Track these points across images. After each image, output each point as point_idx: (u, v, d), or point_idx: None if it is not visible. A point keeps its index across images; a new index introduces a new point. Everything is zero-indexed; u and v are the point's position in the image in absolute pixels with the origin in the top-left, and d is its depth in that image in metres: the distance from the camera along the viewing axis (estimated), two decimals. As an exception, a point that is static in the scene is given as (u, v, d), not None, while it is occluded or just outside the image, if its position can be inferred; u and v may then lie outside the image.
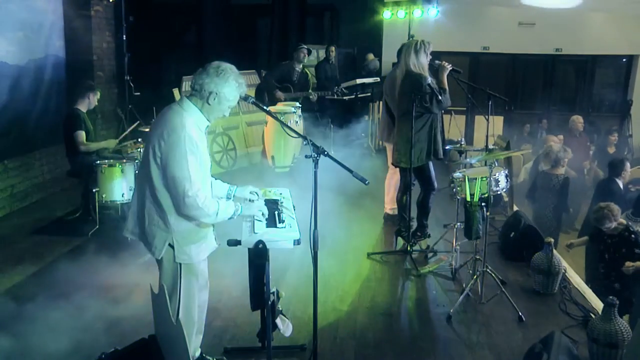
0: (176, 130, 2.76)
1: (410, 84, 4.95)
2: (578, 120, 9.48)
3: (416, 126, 4.94)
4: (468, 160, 5.00)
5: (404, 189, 5.34)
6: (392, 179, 6.01)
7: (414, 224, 5.42)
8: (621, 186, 6.57)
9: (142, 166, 2.95)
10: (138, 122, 6.32)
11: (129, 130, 6.33)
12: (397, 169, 5.53)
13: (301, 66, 8.40)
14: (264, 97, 8.19)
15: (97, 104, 6.20)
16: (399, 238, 5.48)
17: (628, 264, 4.91)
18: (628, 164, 6.65)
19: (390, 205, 6.14)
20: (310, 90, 8.47)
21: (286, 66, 8.44)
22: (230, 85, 2.84)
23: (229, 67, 2.88)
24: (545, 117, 11.92)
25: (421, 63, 4.99)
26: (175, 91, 8.10)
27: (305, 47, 8.42)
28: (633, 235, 5.05)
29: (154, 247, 2.90)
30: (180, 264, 2.90)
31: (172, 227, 2.86)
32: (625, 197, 6.61)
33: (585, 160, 9.22)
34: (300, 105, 7.94)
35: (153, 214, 2.87)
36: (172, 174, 2.75)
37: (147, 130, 6.06)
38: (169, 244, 2.88)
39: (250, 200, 3.16)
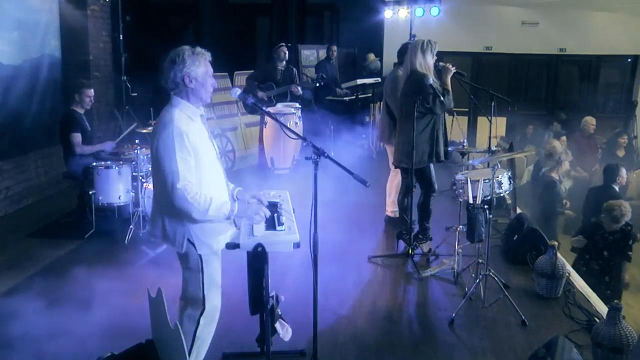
0: (166, 126, 2.84)
1: (413, 84, 4.95)
2: (590, 121, 9.47)
3: (418, 127, 4.95)
4: (470, 161, 5.01)
5: (405, 191, 5.34)
6: (393, 181, 6.02)
7: (415, 227, 5.42)
8: (618, 191, 6.58)
9: (152, 168, 3.04)
10: (135, 124, 6.30)
11: (125, 132, 6.31)
12: (398, 171, 5.54)
13: (284, 63, 8.16)
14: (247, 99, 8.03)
15: (92, 101, 6.12)
16: (400, 241, 5.48)
17: None
18: (623, 170, 6.68)
19: (391, 208, 6.15)
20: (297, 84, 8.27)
21: (268, 66, 8.26)
22: (191, 60, 2.92)
23: (178, 51, 2.94)
24: (549, 118, 11.94)
25: (427, 63, 5.01)
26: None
27: (284, 44, 8.28)
28: (631, 228, 5.43)
29: (177, 243, 2.96)
30: (201, 256, 2.96)
31: (187, 222, 2.91)
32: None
33: (594, 163, 9.22)
34: (300, 106, 7.94)
35: (170, 212, 2.92)
36: (163, 168, 2.82)
37: (144, 131, 6.06)
38: (188, 239, 2.93)
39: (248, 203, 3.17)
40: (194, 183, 2.81)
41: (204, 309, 3.00)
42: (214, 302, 3.05)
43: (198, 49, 2.98)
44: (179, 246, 2.96)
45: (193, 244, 2.94)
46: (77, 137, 5.87)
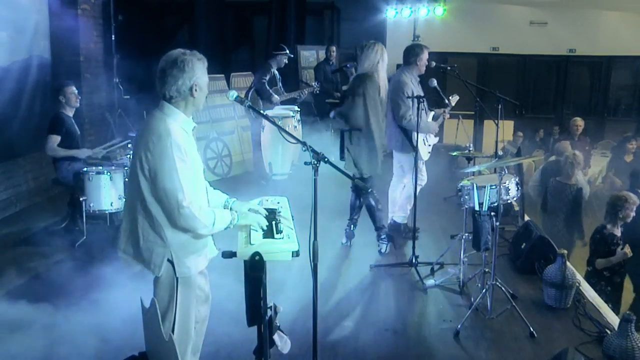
0: (162, 138, 2.74)
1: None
2: (575, 122, 9.48)
3: None
4: (476, 167, 5.03)
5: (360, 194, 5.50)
6: (396, 186, 6.03)
7: (418, 234, 5.43)
8: None
9: (131, 179, 2.93)
10: (127, 141, 6.20)
11: (116, 146, 6.20)
12: (401, 176, 5.57)
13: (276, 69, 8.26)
14: (258, 102, 8.11)
15: (79, 97, 6.04)
16: (403, 249, 5.49)
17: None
18: None
19: (400, 213, 6.14)
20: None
21: (270, 69, 8.19)
22: (199, 68, 2.86)
23: (181, 53, 2.87)
24: (557, 122, 11.97)
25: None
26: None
27: (288, 51, 8.29)
28: None
29: (152, 265, 2.87)
30: (177, 278, 2.90)
31: (170, 241, 2.85)
32: None
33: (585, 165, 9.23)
34: (299, 109, 7.97)
35: (147, 230, 2.86)
36: (163, 185, 2.74)
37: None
38: (168, 259, 2.87)
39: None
40: (196, 198, 2.79)
41: (173, 326, 2.93)
42: (190, 319, 3.00)
43: (198, 54, 2.91)
44: (155, 269, 2.87)
45: (173, 265, 2.87)
46: (54, 138, 5.78)
